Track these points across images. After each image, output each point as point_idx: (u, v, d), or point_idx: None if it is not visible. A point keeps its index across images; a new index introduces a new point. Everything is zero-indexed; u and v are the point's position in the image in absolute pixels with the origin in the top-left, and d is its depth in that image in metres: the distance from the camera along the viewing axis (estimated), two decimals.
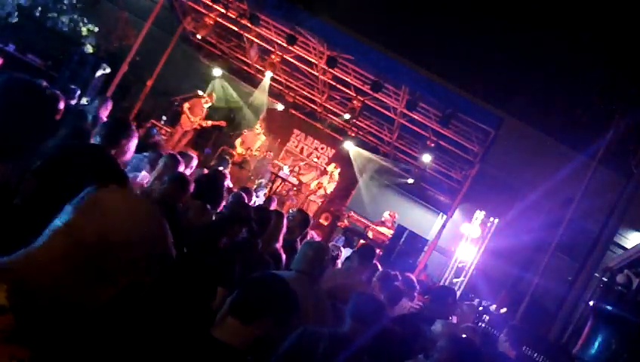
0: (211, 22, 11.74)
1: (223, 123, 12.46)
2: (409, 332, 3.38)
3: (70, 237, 0.89)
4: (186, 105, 11.97)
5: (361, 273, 4.42)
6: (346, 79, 11.64)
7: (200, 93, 12.56)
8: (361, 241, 11.11)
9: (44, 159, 3.04)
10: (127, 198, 0.98)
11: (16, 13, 11.55)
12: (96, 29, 12.49)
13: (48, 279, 0.87)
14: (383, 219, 12.08)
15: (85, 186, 1.02)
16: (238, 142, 12.49)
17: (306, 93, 13.81)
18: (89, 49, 12.22)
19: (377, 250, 11.37)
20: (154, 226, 0.98)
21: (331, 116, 14.06)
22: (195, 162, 5.52)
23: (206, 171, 6.05)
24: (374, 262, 6.86)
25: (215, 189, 4.16)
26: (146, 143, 6.76)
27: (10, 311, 0.83)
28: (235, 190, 5.71)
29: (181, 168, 4.70)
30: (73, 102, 7.76)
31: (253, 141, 12.59)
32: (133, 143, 3.45)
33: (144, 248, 0.93)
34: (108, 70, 11.19)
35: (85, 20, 12.68)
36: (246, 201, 4.62)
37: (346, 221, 12.30)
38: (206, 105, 12.32)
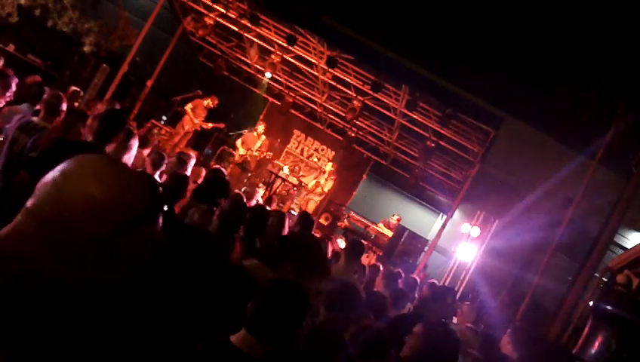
0: (211, 22, 11.74)
1: (221, 125, 12.44)
2: (407, 333, 3.37)
3: (34, 215, 0.87)
4: (189, 106, 11.96)
5: (350, 270, 4.38)
6: (346, 79, 11.63)
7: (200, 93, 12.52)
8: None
9: (39, 154, 3.01)
10: (95, 165, 0.92)
11: (16, 13, 11.54)
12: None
13: (25, 259, 0.85)
14: (388, 220, 12.05)
15: None
16: (239, 142, 12.45)
17: (306, 93, 13.79)
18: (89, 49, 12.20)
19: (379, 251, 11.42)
20: (125, 193, 0.90)
21: (332, 116, 14.04)
22: (192, 161, 5.50)
23: (204, 172, 6.00)
24: (377, 264, 6.86)
25: (223, 195, 4.15)
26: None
27: None
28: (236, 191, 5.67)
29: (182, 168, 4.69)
30: (77, 104, 7.76)
31: (254, 142, 12.54)
32: (133, 139, 3.42)
33: (109, 219, 0.87)
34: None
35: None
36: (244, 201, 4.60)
37: (346, 221, 12.28)
38: (207, 107, 12.31)
